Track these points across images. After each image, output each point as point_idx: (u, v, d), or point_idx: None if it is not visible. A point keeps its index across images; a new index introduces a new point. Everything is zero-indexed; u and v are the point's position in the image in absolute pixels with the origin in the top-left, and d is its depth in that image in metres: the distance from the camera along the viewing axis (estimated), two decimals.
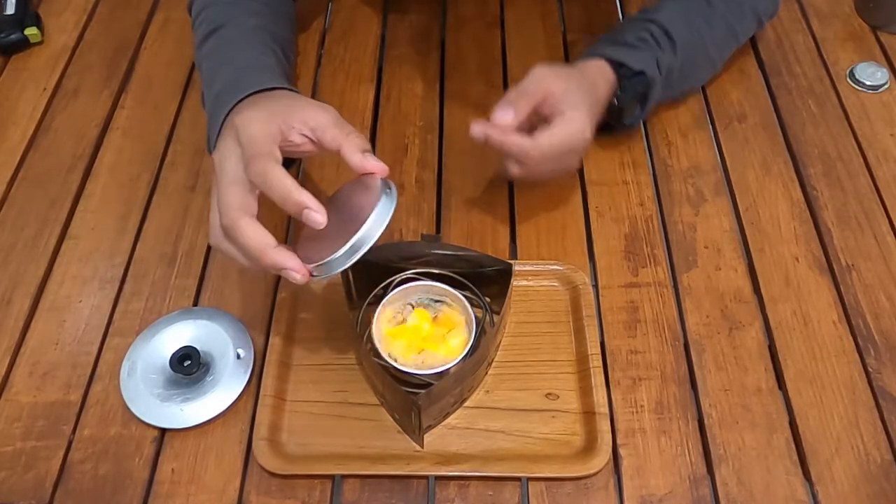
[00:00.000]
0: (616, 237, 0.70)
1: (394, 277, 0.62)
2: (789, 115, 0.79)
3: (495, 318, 0.62)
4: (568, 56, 0.84)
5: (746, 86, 0.82)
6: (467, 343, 0.59)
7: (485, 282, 0.62)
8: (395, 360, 0.58)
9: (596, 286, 0.67)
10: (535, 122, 0.63)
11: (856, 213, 0.71)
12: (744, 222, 0.71)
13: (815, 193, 0.73)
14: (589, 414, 0.59)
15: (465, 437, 0.58)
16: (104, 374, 0.62)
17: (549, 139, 0.61)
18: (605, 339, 0.63)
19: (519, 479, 0.56)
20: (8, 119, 0.79)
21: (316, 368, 0.62)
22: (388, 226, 0.51)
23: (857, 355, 0.62)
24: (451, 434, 0.58)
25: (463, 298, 0.61)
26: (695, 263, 0.68)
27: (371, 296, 0.62)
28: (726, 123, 0.78)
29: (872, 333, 0.64)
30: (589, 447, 0.57)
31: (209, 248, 0.69)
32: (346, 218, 0.52)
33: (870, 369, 0.62)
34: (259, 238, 0.50)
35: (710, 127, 0.78)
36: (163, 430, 0.59)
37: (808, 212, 0.71)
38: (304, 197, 0.49)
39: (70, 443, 0.59)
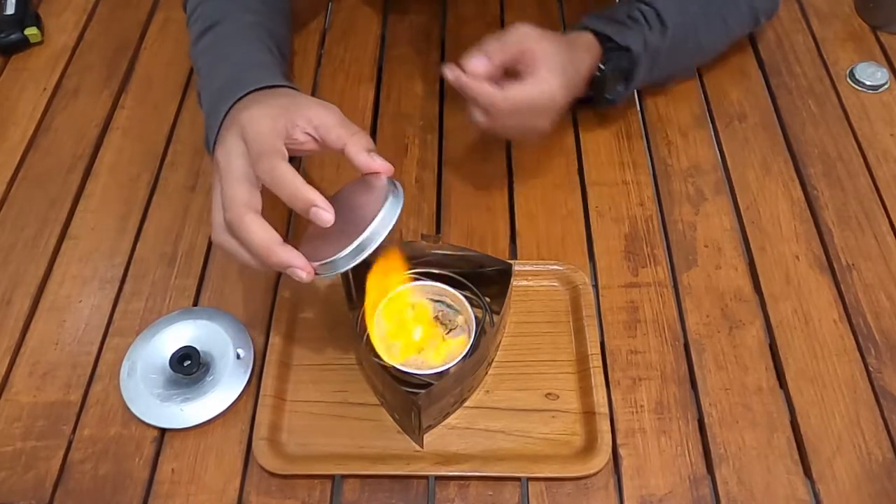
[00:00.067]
0: (616, 237, 0.70)
1: None
2: (789, 114, 0.79)
3: (495, 318, 0.62)
4: None
5: (746, 86, 0.82)
6: (467, 343, 0.59)
7: (485, 282, 0.62)
8: (395, 360, 0.58)
9: (596, 286, 0.67)
10: (508, 76, 0.63)
11: (856, 213, 0.71)
12: (744, 221, 0.71)
13: (815, 193, 0.73)
14: (589, 414, 0.59)
15: (465, 437, 0.58)
16: (104, 374, 0.62)
17: (518, 93, 0.61)
18: (605, 339, 0.63)
19: (519, 479, 0.56)
20: (8, 119, 0.79)
21: (316, 368, 0.62)
22: (395, 226, 0.51)
23: (857, 354, 0.62)
24: (451, 434, 0.58)
25: (463, 298, 0.61)
26: (695, 263, 0.68)
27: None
28: (726, 123, 0.78)
29: (873, 333, 0.64)
30: (589, 447, 0.57)
31: (209, 248, 0.69)
32: (350, 217, 0.51)
33: (870, 368, 0.62)
34: (265, 234, 0.50)
35: (711, 126, 0.78)
36: (163, 430, 0.59)
37: (808, 211, 0.71)
38: (313, 195, 0.49)
39: (70, 443, 0.59)
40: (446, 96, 0.81)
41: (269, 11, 0.71)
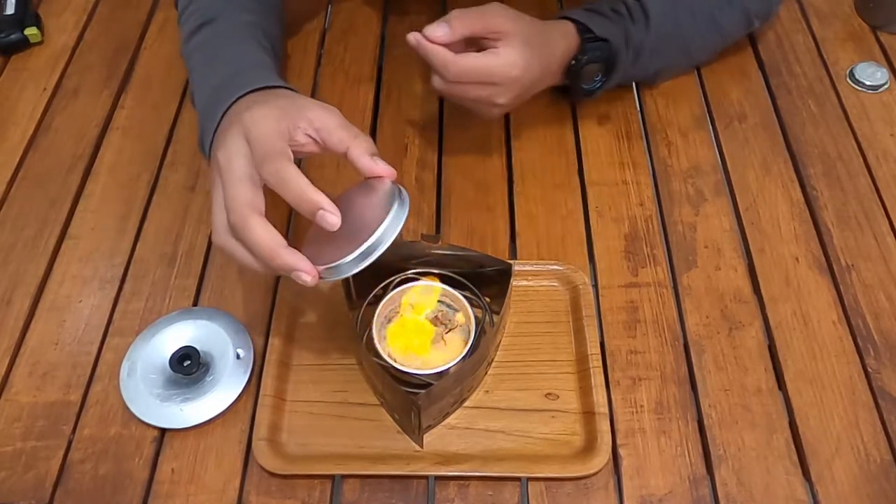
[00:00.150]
0: (616, 237, 0.70)
1: (394, 277, 0.62)
2: (789, 115, 0.79)
3: (495, 318, 0.62)
4: None
5: (746, 86, 0.82)
6: (467, 343, 0.59)
7: (485, 282, 0.62)
8: (395, 360, 0.58)
9: (596, 286, 0.67)
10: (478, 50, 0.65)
11: (856, 213, 0.71)
12: (744, 222, 0.71)
13: (815, 193, 0.73)
14: (589, 414, 0.59)
15: (465, 437, 0.58)
16: (104, 374, 0.62)
17: (471, 61, 0.63)
18: (605, 339, 0.63)
19: (519, 479, 0.56)
20: (8, 119, 0.79)
21: (316, 368, 0.62)
22: (400, 232, 0.50)
23: (856, 355, 0.62)
24: (451, 434, 0.58)
25: (463, 298, 0.61)
26: (695, 263, 0.68)
27: (371, 296, 0.62)
28: (726, 123, 0.78)
29: (872, 333, 0.64)
30: (589, 447, 0.57)
31: (209, 248, 0.69)
32: (354, 220, 0.51)
33: (869, 369, 0.62)
34: (270, 237, 0.49)
35: (710, 127, 0.78)
36: (163, 430, 0.59)
37: (807, 212, 0.71)
38: (320, 197, 0.49)
39: (70, 443, 0.59)
40: None
41: (263, 11, 0.71)
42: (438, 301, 0.62)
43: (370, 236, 0.49)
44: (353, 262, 0.50)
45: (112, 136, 0.78)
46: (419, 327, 0.60)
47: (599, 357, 0.61)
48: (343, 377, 0.61)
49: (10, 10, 0.86)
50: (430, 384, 0.56)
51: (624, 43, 0.71)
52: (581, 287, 0.65)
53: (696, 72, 0.82)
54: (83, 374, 0.62)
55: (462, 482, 0.56)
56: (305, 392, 0.61)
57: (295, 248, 0.51)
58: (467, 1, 0.71)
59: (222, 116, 0.58)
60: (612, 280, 0.67)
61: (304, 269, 0.49)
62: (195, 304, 0.66)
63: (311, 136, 0.53)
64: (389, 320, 0.61)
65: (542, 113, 0.79)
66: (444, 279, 0.62)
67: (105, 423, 0.60)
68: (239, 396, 0.60)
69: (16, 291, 0.67)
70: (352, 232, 0.50)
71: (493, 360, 0.62)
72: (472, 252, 0.61)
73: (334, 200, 0.50)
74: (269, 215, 0.51)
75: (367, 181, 0.54)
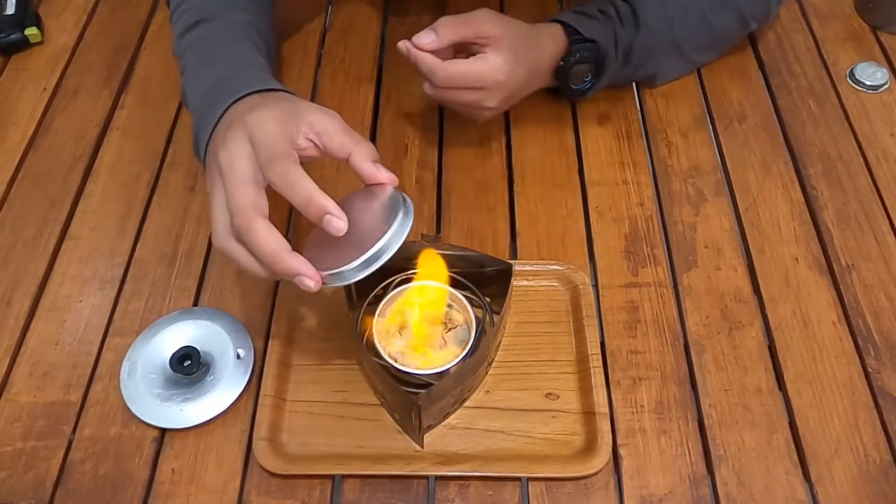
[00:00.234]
0: (616, 237, 0.70)
1: (394, 277, 0.62)
2: (789, 115, 0.79)
3: (495, 318, 0.62)
4: None
5: (746, 86, 0.82)
6: (467, 343, 0.59)
7: (485, 282, 0.62)
8: (395, 360, 0.58)
9: (596, 286, 0.67)
10: (466, 55, 0.67)
11: (856, 213, 0.71)
12: (744, 222, 0.71)
13: (815, 193, 0.73)
14: (589, 414, 0.59)
15: (465, 437, 0.58)
16: (104, 374, 0.62)
17: (458, 68, 0.65)
18: (605, 339, 0.63)
19: (519, 479, 0.56)
20: (8, 119, 0.79)
21: (316, 368, 0.62)
22: (405, 241, 0.50)
23: (856, 356, 0.62)
24: (451, 434, 0.58)
25: (463, 298, 0.61)
26: (695, 263, 0.68)
27: (371, 296, 0.62)
28: (726, 124, 0.78)
29: (872, 333, 0.64)
30: (589, 447, 0.57)
31: (209, 248, 0.69)
32: (355, 227, 0.49)
33: (870, 369, 0.62)
34: (275, 241, 0.49)
35: (710, 127, 0.78)
36: (163, 430, 0.59)
37: (807, 212, 0.71)
38: (327, 202, 0.48)
39: (70, 443, 0.59)
40: None
41: (258, 11, 0.71)
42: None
43: (375, 244, 0.49)
44: (356, 269, 0.49)
45: (112, 136, 0.78)
46: (419, 327, 0.60)
47: (600, 357, 0.61)
48: (343, 377, 0.61)
49: (10, 10, 0.86)
50: (431, 384, 0.56)
51: (612, 44, 0.72)
52: (581, 287, 0.65)
53: (696, 72, 0.82)
54: (83, 374, 0.62)
55: (462, 482, 0.56)
56: (306, 392, 0.61)
57: (297, 251, 0.50)
58: (467, 1, 0.71)
59: (220, 117, 0.57)
60: (612, 280, 0.67)
61: (308, 274, 0.49)
62: (195, 304, 0.66)
63: (311, 140, 0.52)
64: (390, 320, 0.61)
65: (542, 113, 0.79)
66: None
67: (105, 423, 0.60)
68: (239, 396, 0.60)
69: (16, 291, 0.67)
70: (354, 238, 0.50)
71: (493, 360, 0.62)
72: (472, 252, 0.61)
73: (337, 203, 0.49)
74: (269, 218, 0.51)
75: (368, 188, 0.53)
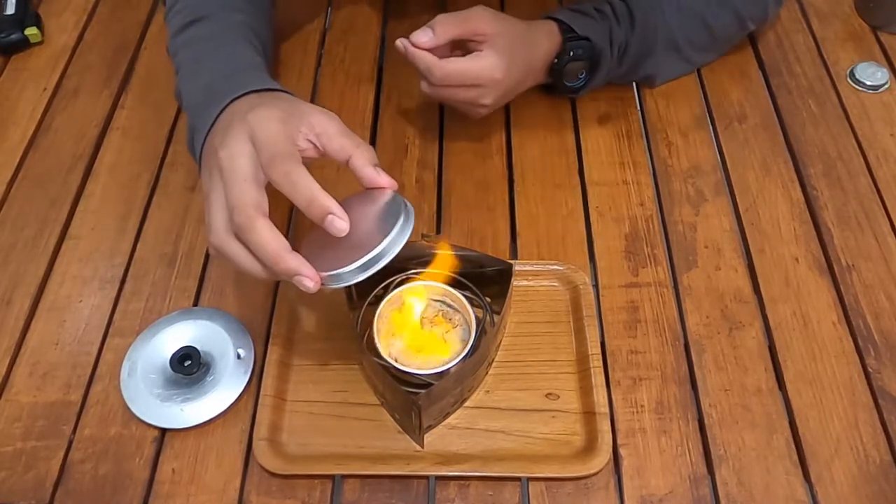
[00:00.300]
0: (616, 237, 0.70)
1: (394, 277, 0.62)
2: (789, 115, 0.79)
3: (495, 318, 0.62)
4: None
5: (746, 86, 0.82)
6: (467, 343, 0.59)
7: (485, 282, 0.62)
8: (395, 360, 0.58)
9: (596, 286, 0.67)
10: (462, 53, 0.68)
11: (856, 213, 0.71)
12: (744, 223, 0.71)
13: (815, 193, 0.73)
14: (589, 414, 0.59)
15: (465, 437, 0.58)
16: (104, 374, 0.62)
17: (454, 65, 0.66)
18: (606, 339, 0.63)
19: (519, 479, 0.56)
20: (8, 119, 0.79)
21: (316, 368, 0.62)
22: (404, 245, 0.50)
23: (856, 356, 0.62)
24: (451, 434, 0.58)
25: (463, 298, 0.61)
26: (695, 263, 0.68)
27: (371, 296, 0.62)
28: (726, 124, 0.78)
29: (872, 334, 0.64)
30: (589, 447, 0.57)
31: None
32: (356, 229, 0.49)
33: (870, 369, 0.62)
34: (276, 240, 0.48)
35: (711, 127, 0.78)
36: (163, 430, 0.59)
37: (807, 212, 0.71)
38: (330, 202, 0.48)
39: (70, 443, 0.59)
40: None
41: (255, 11, 0.71)
42: (438, 301, 0.62)
43: (376, 247, 0.49)
44: (355, 272, 0.49)
45: (112, 136, 0.78)
46: (419, 327, 0.60)
47: (600, 357, 0.61)
48: (343, 377, 0.61)
49: (10, 10, 0.86)
50: (431, 384, 0.56)
51: (608, 42, 0.72)
52: (581, 287, 0.65)
53: (696, 72, 0.82)
54: (83, 374, 0.62)
55: (462, 482, 0.56)
56: (306, 392, 0.61)
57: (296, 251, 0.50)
58: (466, 2, 0.71)
59: (217, 116, 0.57)
60: (612, 280, 0.67)
61: (308, 275, 0.49)
62: (195, 304, 0.66)
63: (311, 142, 0.52)
64: (390, 320, 0.61)
65: (542, 113, 0.79)
66: (444, 279, 0.62)
67: (105, 423, 0.60)
68: (239, 396, 0.60)
69: (16, 291, 0.67)
70: (354, 240, 0.50)
71: (493, 360, 0.62)
72: (472, 252, 0.61)
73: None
74: (270, 216, 0.51)
75: (367, 191, 0.53)
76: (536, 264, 0.67)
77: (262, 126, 0.51)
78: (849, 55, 0.84)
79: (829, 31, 0.87)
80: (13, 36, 0.84)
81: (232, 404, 0.60)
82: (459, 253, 0.61)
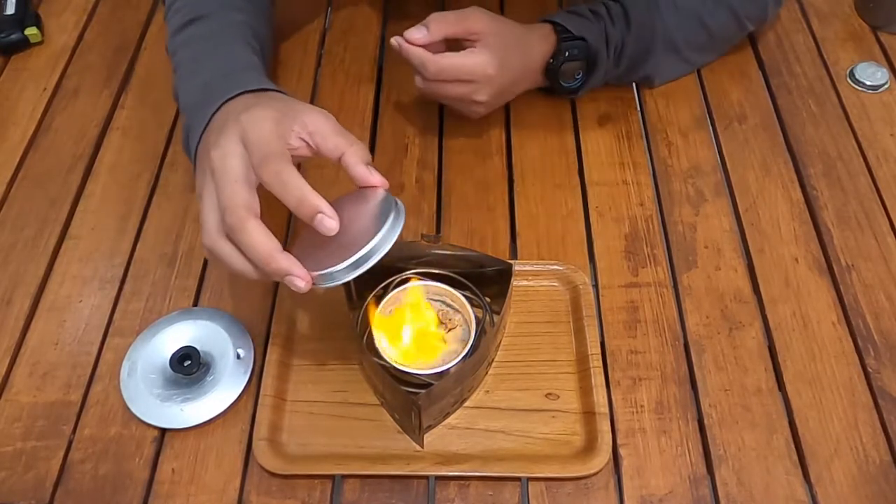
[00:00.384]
0: (616, 237, 0.70)
1: (394, 277, 0.62)
2: (789, 115, 0.79)
3: (495, 318, 0.62)
4: None
5: (746, 86, 0.82)
6: (467, 343, 0.59)
7: (485, 282, 0.62)
8: (395, 360, 0.58)
9: (596, 286, 0.67)
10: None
11: (856, 213, 0.71)
12: (743, 223, 0.71)
13: (815, 193, 0.73)
14: (589, 414, 0.59)
15: (465, 437, 0.58)
16: (104, 374, 0.62)
17: (447, 60, 0.67)
18: (605, 339, 0.63)
19: (519, 479, 0.57)
20: (8, 119, 0.79)
21: (316, 368, 0.62)
22: (394, 244, 0.50)
23: (856, 356, 0.62)
24: (451, 434, 0.58)
25: (463, 298, 0.61)
26: (695, 263, 0.68)
27: (371, 296, 0.62)
28: (726, 124, 0.78)
29: (872, 334, 0.64)
30: (589, 447, 0.57)
31: None
32: (347, 228, 0.50)
33: (869, 370, 0.62)
34: (267, 241, 0.49)
35: (710, 127, 0.78)
36: (163, 430, 0.59)
37: (807, 212, 0.71)
38: (320, 202, 0.49)
39: (70, 443, 0.59)
40: None
41: (254, 11, 0.71)
42: (438, 301, 0.62)
43: (365, 245, 0.49)
44: (345, 270, 0.50)
45: (112, 136, 0.78)
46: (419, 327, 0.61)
47: (600, 357, 0.61)
48: (343, 377, 0.61)
49: (10, 10, 0.86)
50: (430, 384, 0.56)
51: (603, 43, 0.72)
52: (581, 287, 0.65)
53: (696, 72, 0.82)
54: (83, 374, 0.62)
55: (462, 482, 0.56)
56: (306, 392, 0.61)
57: (287, 251, 0.50)
58: (466, 2, 0.72)
59: (212, 116, 0.57)
60: (612, 280, 0.67)
61: (299, 275, 0.49)
62: (195, 304, 0.66)
63: (304, 140, 0.53)
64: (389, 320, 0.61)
65: (542, 113, 0.79)
66: (444, 279, 0.62)
67: (105, 423, 0.60)
68: (239, 396, 0.60)
69: (16, 291, 0.67)
70: (345, 239, 0.50)
71: (493, 360, 0.62)
72: (472, 252, 0.61)
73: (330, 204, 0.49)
74: (268, 219, 0.51)
75: (360, 190, 0.53)
76: (536, 264, 0.67)
77: (254, 126, 0.51)
78: (849, 55, 0.84)
79: (829, 31, 0.87)
80: (13, 36, 0.84)
81: (232, 404, 0.60)
82: (459, 253, 0.61)
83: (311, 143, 0.53)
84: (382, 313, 0.60)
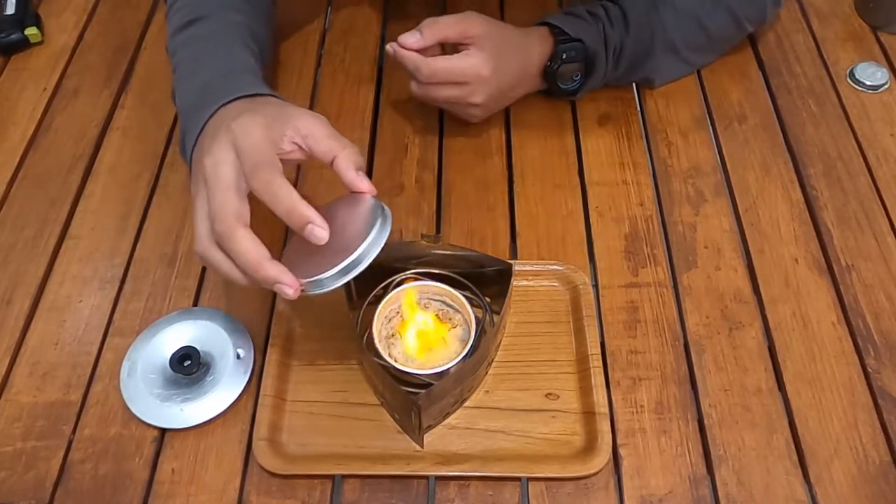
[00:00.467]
0: (616, 237, 0.70)
1: (394, 277, 0.62)
2: (789, 115, 0.79)
3: (495, 318, 0.62)
4: None
5: (746, 86, 0.82)
6: (467, 343, 0.59)
7: (485, 282, 0.62)
8: (395, 360, 0.58)
9: (596, 286, 0.67)
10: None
11: (856, 213, 0.71)
12: (743, 224, 0.71)
13: (815, 193, 0.73)
14: (589, 414, 0.59)
15: (465, 437, 0.58)
16: (104, 374, 0.62)
17: (441, 63, 0.67)
18: (605, 339, 0.63)
19: (519, 479, 0.57)
20: (8, 119, 0.79)
21: (316, 368, 0.62)
22: (382, 250, 0.51)
23: (856, 356, 0.62)
24: (451, 434, 0.58)
25: (463, 298, 0.61)
26: (695, 264, 0.68)
27: (371, 296, 0.62)
28: (726, 124, 0.78)
29: (872, 334, 0.64)
30: (589, 447, 0.57)
31: None
32: (336, 234, 0.50)
33: (869, 369, 0.62)
34: (255, 250, 0.49)
35: (710, 127, 0.78)
36: (163, 430, 0.59)
37: (807, 212, 0.71)
38: (309, 212, 0.49)
39: (70, 443, 0.59)
40: None
41: (253, 12, 0.71)
42: (438, 301, 0.62)
43: (352, 253, 0.50)
44: (334, 277, 0.50)
45: (112, 136, 0.78)
46: (418, 327, 0.60)
47: (600, 357, 0.61)
48: (343, 377, 0.61)
49: (10, 10, 0.86)
50: (431, 384, 0.56)
51: (602, 44, 0.72)
52: (581, 287, 0.65)
53: (696, 72, 0.82)
54: (83, 374, 0.62)
55: (462, 482, 0.56)
56: (305, 392, 0.61)
57: (277, 258, 0.51)
58: (466, 2, 0.72)
59: (207, 121, 0.57)
60: (612, 280, 0.67)
61: (287, 283, 0.50)
62: (195, 304, 0.66)
63: (297, 144, 0.53)
64: (390, 320, 0.61)
65: (542, 113, 0.79)
66: (444, 279, 0.62)
67: (105, 423, 0.60)
68: (239, 396, 0.60)
69: (16, 291, 0.67)
70: (334, 247, 0.50)
71: (493, 360, 0.62)
72: (472, 252, 0.61)
73: (320, 213, 0.50)
74: (264, 224, 0.51)
75: (350, 196, 0.54)
76: (536, 264, 0.67)
77: (245, 134, 0.52)
78: (849, 55, 0.84)
79: (829, 31, 0.87)
80: (13, 36, 0.84)
81: (232, 404, 0.60)
82: (459, 253, 0.61)
83: (304, 146, 0.53)
84: (382, 314, 0.60)
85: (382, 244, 0.51)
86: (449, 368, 0.57)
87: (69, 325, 0.65)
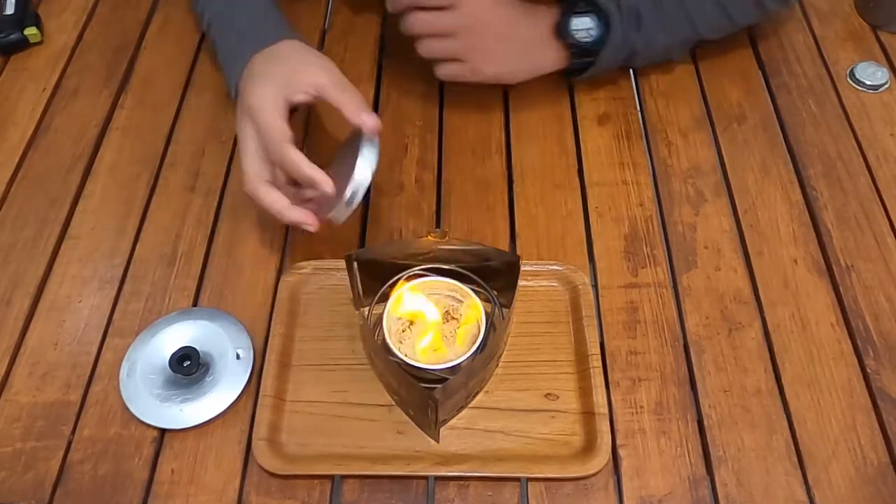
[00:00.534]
0: (616, 237, 0.70)
1: (401, 274, 0.62)
2: (789, 115, 0.79)
3: (504, 311, 0.62)
4: None
5: (746, 86, 0.82)
6: (477, 337, 0.59)
7: (491, 275, 0.62)
8: (406, 357, 0.58)
9: (596, 286, 0.67)
10: None
11: (856, 214, 0.71)
12: (743, 225, 0.71)
13: (814, 194, 0.73)
14: (588, 414, 0.59)
15: (465, 438, 0.58)
16: (104, 374, 0.62)
17: (430, 4, 0.69)
18: (605, 340, 0.63)
19: (518, 479, 0.57)
20: (8, 119, 0.79)
21: (316, 368, 0.62)
22: (376, 167, 0.59)
23: (855, 358, 0.62)
24: (451, 434, 0.58)
25: (471, 293, 0.61)
26: (694, 264, 0.68)
27: (379, 294, 0.62)
28: (726, 124, 0.78)
29: (871, 335, 0.64)
30: (588, 448, 0.57)
31: (209, 248, 0.69)
32: (343, 175, 0.60)
33: (869, 371, 0.62)
34: (277, 201, 0.61)
35: (710, 127, 0.78)
36: (162, 431, 0.59)
37: (807, 213, 0.71)
38: (314, 172, 0.59)
39: (70, 443, 0.59)
40: (446, 96, 0.81)
41: None
42: (448, 296, 0.62)
43: (350, 182, 0.58)
44: (342, 207, 0.59)
45: (112, 136, 0.78)
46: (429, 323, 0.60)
47: (599, 357, 0.61)
48: (343, 377, 0.61)
49: (9, 10, 0.86)
50: (443, 379, 0.56)
51: (616, 8, 0.71)
52: (581, 287, 0.65)
53: (695, 72, 0.82)
54: (83, 374, 0.62)
55: (462, 482, 0.57)
56: (305, 392, 0.61)
57: (304, 204, 0.62)
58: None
59: (242, 70, 0.66)
60: (612, 280, 0.67)
61: (307, 221, 0.61)
62: (195, 304, 0.66)
63: (309, 93, 0.62)
64: (399, 317, 0.61)
65: (542, 113, 0.79)
66: (452, 274, 0.62)
67: (105, 424, 0.60)
68: (239, 397, 0.60)
69: (16, 291, 0.67)
70: (343, 180, 0.59)
71: (502, 353, 0.62)
72: (479, 245, 0.61)
73: (329, 164, 0.61)
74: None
75: (349, 139, 0.63)
76: (536, 264, 0.67)
77: (259, 112, 0.61)
78: (849, 55, 0.84)
79: (829, 31, 0.87)
80: (13, 36, 0.84)
81: (231, 404, 0.60)
82: (465, 247, 0.61)
83: (316, 94, 0.62)
84: (391, 311, 0.60)
85: (373, 162, 0.59)
86: (462, 363, 0.57)
87: (69, 326, 0.65)
